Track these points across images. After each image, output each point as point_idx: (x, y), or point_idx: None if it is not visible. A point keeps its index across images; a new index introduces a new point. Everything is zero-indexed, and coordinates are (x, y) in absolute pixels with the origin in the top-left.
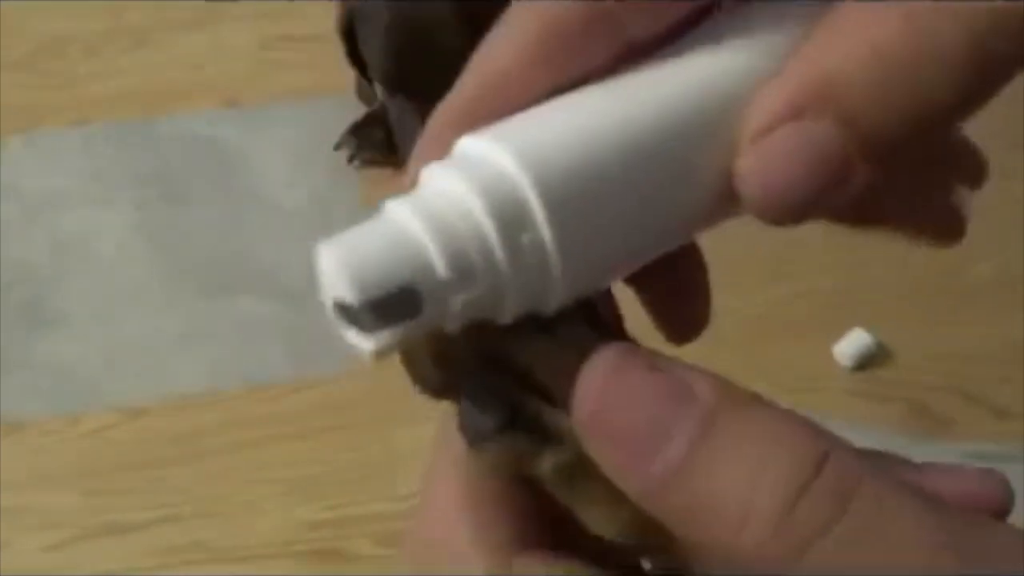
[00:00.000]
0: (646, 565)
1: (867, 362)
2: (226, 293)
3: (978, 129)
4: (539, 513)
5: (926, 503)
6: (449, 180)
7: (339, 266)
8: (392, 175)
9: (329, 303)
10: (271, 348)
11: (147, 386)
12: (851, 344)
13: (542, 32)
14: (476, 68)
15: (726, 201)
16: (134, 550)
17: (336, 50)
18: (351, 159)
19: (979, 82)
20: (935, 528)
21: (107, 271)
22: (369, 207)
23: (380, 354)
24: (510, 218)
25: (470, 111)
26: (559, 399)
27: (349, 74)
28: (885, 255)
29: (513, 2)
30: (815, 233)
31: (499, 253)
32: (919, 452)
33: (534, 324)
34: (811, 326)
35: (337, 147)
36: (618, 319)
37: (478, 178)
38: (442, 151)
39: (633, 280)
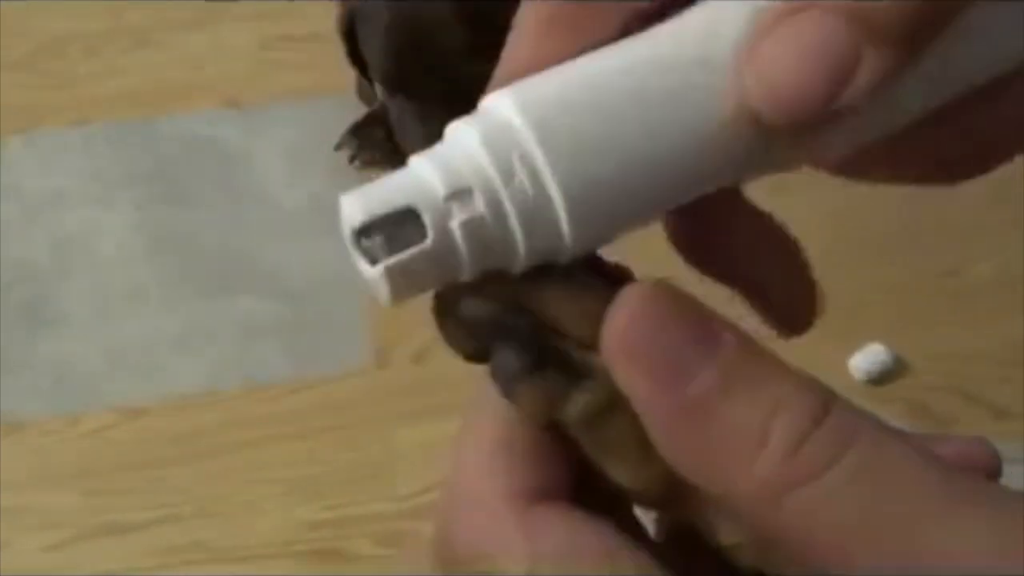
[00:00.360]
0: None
1: (884, 378)
2: (226, 293)
3: None
4: (570, 464)
5: (922, 452)
6: (457, 128)
7: (354, 199)
8: None
9: (347, 240)
10: (271, 348)
11: (147, 386)
12: (866, 359)
13: (551, 10)
14: (501, 64)
15: (741, 142)
16: (134, 550)
17: (336, 50)
18: (351, 159)
19: None
20: (927, 470)
21: (107, 271)
22: None
23: (395, 291)
24: (501, 141)
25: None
26: (585, 344)
27: (349, 74)
28: (886, 259)
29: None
30: (817, 237)
31: (491, 171)
32: None
33: (553, 275)
34: (815, 328)
35: (337, 147)
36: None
37: (477, 119)
38: None
39: (727, 278)
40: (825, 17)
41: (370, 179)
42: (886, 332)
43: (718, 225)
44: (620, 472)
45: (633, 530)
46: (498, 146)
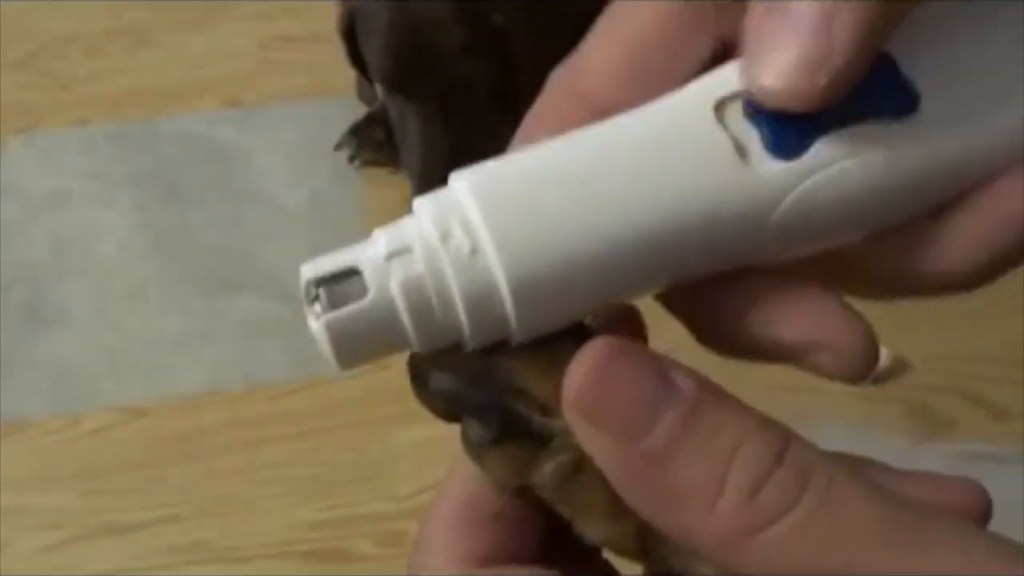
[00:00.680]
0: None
1: (883, 377)
2: (226, 293)
3: None
4: (535, 528)
5: (874, 492)
6: (418, 200)
7: (310, 262)
8: (392, 175)
9: (304, 303)
10: (271, 348)
11: (147, 386)
12: None
13: (637, 32)
14: (518, 133)
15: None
16: (134, 550)
17: (336, 50)
18: (351, 159)
19: None
20: (878, 515)
21: (107, 271)
22: (369, 207)
23: (339, 350)
24: (443, 208)
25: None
26: (550, 408)
27: (349, 74)
28: None
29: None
30: None
31: (431, 233)
32: (919, 453)
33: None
34: None
35: (337, 147)
36: (638, 335)
37: (436, 192)
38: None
39: (767, 355)
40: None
41: (370, 179)
42: (886, 332)
43: (733, 305)
44: (592, 529)
45: None
46: (441, 210)
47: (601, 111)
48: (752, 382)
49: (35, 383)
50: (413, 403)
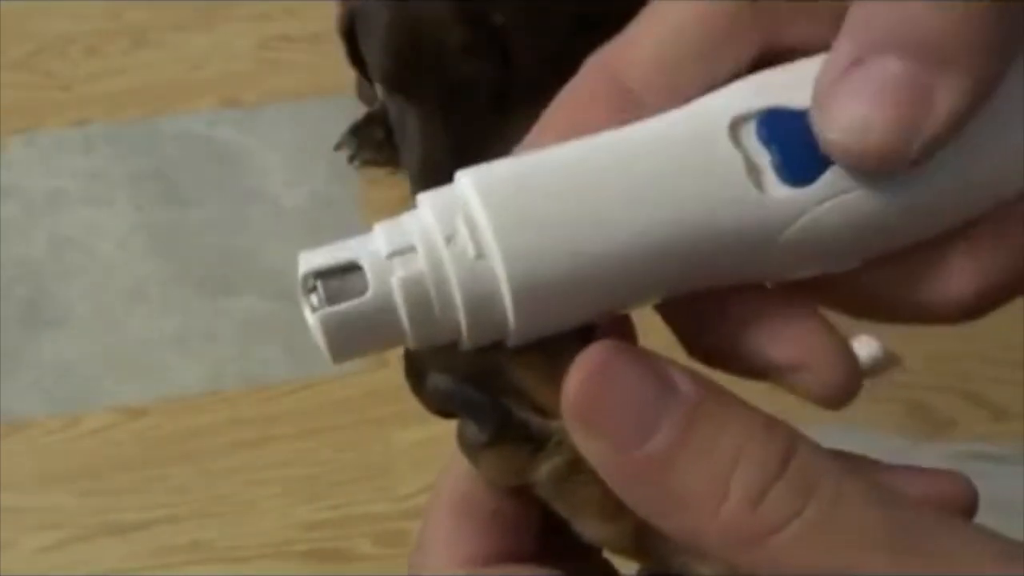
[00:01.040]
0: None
1: (874, 371)
2: (226, 293)
3: None
4: (533, 526)
5: (878, 497)
6: (420, 196)
7: (308, 253)
8: (391, 175)
9: (300, 294)
10: (271, 348)
11: (147, 386)
12: (858, 352)
13: (676, 29)
14: (530, 134)
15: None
16: (134, 550)
17: (336, 50)
18: (351, 159)
19: None
20: (882, 520)
21: (107, 271)
22: (369, 207)
23: (334, 344)
24: (447, 207)
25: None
26: (549, 409)
27: (349, 74)
28: None
29: None
30: None
31: (435, 232)
32: (919, 453)
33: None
34: None
35: (337, 147)
36: (629, 337)
37: (439, 189)
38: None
39: (752, 373)
40: (887, 60)
41: (369, 179)
42: (886, 332)
43: (721, 319)
44: (589, 528)
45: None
46: (446, 210)
47: (632, 102)
48: (752, 383)
49: (34, 383)
50: (413, 403)
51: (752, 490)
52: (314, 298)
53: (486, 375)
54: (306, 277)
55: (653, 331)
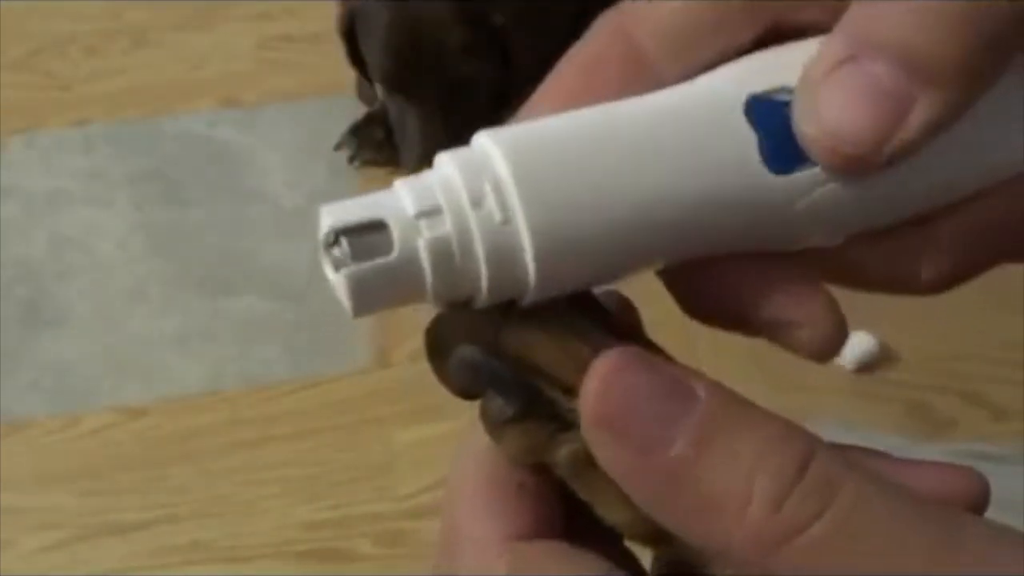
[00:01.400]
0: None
1: (870, 365)
2: (226, 293)
3: None
4: (558, 503)
5: (903, 499)
6: (442, 156)
7: (330, 209)
8: (392, 175)
9: (320, 248)
10: (271, 348)
11: (147, 386)
12: (853, 347)
13: (591, 59)
14: (528, 102)
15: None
16: (134, 550)
17: (336, 50)
18: (351, 159)
19: None
20: (909, 524)
21: (107, 271)
22: None
23: (357, 301)
24: (475, 167)
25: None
26: (575, 389)
27: (349, 74)
28: None
29: None
30: None
31: (462, 194)
32: (919, 453)
33: (539, 318)
34: None
35: (337, 147)
36: (638, 327)
37: (462, 149)
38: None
39: (742, 327)
40: (877, 64)
41: (369, 179)
42: (886, 332)
43: (721, 280)
44: (608, 512)
45: (628, 563)
46: (472, 172)
47: (644, 68)
48: (754, 382)
49: (34, 383)
50: (413, 403)
51: (774, 492)
52: (337, 252)
53: (508, 353)
54: (330, 233)
55: (650, 302)
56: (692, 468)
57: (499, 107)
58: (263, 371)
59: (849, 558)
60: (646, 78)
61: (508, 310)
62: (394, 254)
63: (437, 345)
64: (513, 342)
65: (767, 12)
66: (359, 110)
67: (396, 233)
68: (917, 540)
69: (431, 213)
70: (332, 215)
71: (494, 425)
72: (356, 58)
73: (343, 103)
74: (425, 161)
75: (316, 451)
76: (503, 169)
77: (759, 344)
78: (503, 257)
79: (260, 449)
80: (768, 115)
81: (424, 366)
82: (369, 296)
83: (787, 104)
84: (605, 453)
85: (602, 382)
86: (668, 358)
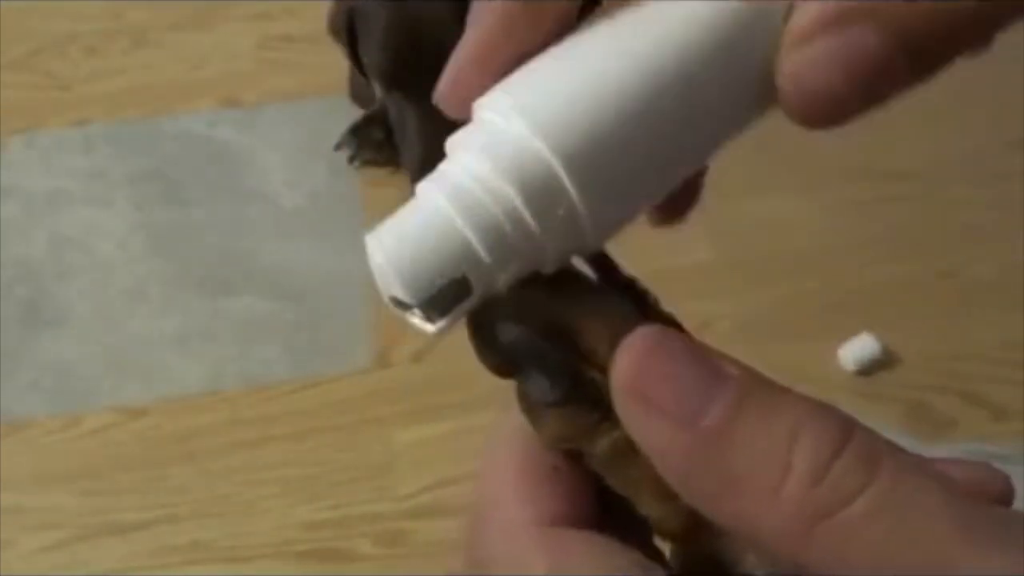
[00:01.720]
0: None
1: (872, 368)
2: (226, 293)
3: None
4: (590, 491)
5: (944, 483)
6: (477, 162)
7: (391, 269)
8: (391, 175)
9: (386, 298)
10: (271, 348)
11: (147, 386)
12: (855, 349)
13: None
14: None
15: (749, 110)
16: (134, 550)
17: (336, 50)
18: (351, 159)
19: None
20: (948, 501)
21: (107, 271)
22: (369, 207)
23: (442, 331)
24: (540, 192)
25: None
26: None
27: (345, 75)
28: (886, 258)
29: None
30: (817, 235)
31: (535, 227)
32: (919, 452)
33: (588, 297)
34: (814, 328)
35: (337, 147)
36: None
37: (506, 157)
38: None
39: None
40: (865, 30)
41: (369, 179)
42: (886, 331)
43: None
44: (644, 506)
45: (655, 557)
46: (540, 200)
47: None
48: None
49: (35, 383)
50: (413, 403)
51: (815, 465)
52: (417, 319)
53: (557, 335)
54: (412, 306)
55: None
56: (726, 439)
57: None
58: (263, 371)
59: (895, 540)
60: None
61: (554, 289)
62: (475, 294)
63: (480, 322)
64: (557, 318)
65: None
66: (359, 110)
67: (475, 281)
68: (967, 531)
69: (507, 257)
70: (403, 285)
71: (534, 407)
72: (356, 58)
73: (343, 103)
74: (426, 161)
75: (316, 451)
76: (571, 190)
77: (759, 344)
78: (570, 244)
79: (260, 449)
80: None
81: (424, 366)
82: (455, 323)
83: None
84: (637, 425)
85: (635, 354)
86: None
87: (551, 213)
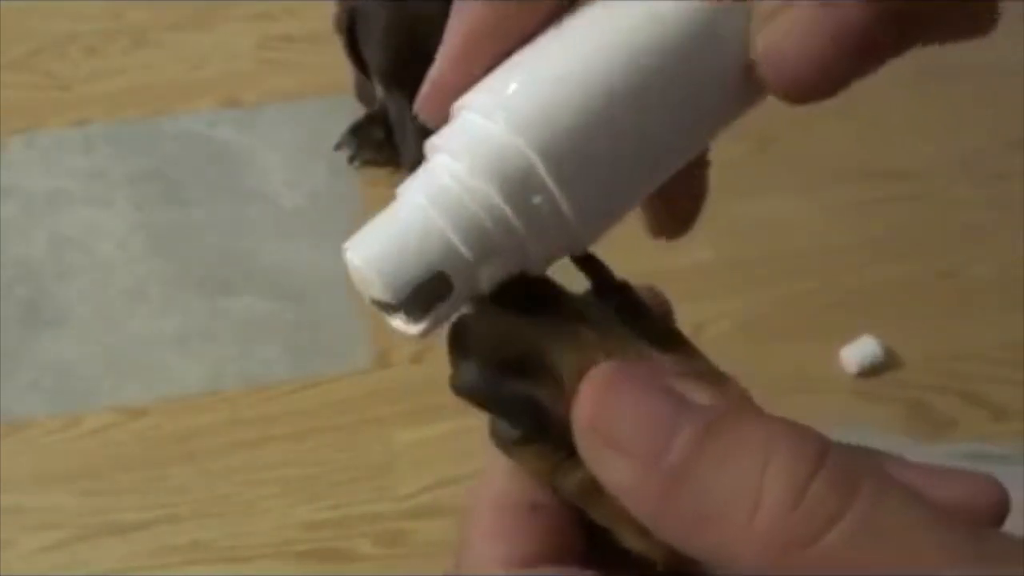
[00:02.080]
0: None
1: (874, 370)
2: (226, 293)
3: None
4: (577, 524)
5: (922, 504)
6: (456, 160)
7: (369, 269)
8: (392, 175)
9: (367, 299)
10: (271, 348)
11: (147, 386)
12: (857, 352)
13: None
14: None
15: (732, 100)
16: (134, 550)
17: (336, 50)
18: (351, 159)
19: None
20: (933, 525)
21: (107, 271)
22: (369, 207)
23: (425, 332)
24: (520, 188)
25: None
26: None
27: (349, 74)
28: (886, 258)
29: None
30: (817, 235)
31: (516, 223)
32: (919, 453)
33: (565, 322)
34: (814, 328)
35: (337, 147)
36: (669, 317)
37: (485, 154)
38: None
39: None
40: (856, 7)
41: (369, 179)
42: (886, 331)
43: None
44: (624, 539)
45: None
46: (519, 194)
47: None
48: (753, 384)
49: (35, 383)
50: (413, 403)
51: (787, 492)
52: (399, 321)
53: (531, 364)
54: (388, 305)
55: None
56: (692, 475)
57: None
58: (263, 371)
59: (872, 567)
60: None
61: (532, 313)
62: (456, 293)
63: (454, 351)
64: (532, 349)
65: None
66: (359, 110)
67: (455, 277)
68: (950, 551)
69: (488, 252)
70: (383, 284)
71: (502, 444)
72: (356, 57)
73: (343, 103)
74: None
75: (316, 451)
76: (550, 182)
77: (759, 345)
78: (555, 242)
79: (260, 449)
80: None
81: (424, 367)
82: (439, 326)
83: None
84: (600, 465)
85: (596, 390)
86: (701, 357)
87: (532, 208)
